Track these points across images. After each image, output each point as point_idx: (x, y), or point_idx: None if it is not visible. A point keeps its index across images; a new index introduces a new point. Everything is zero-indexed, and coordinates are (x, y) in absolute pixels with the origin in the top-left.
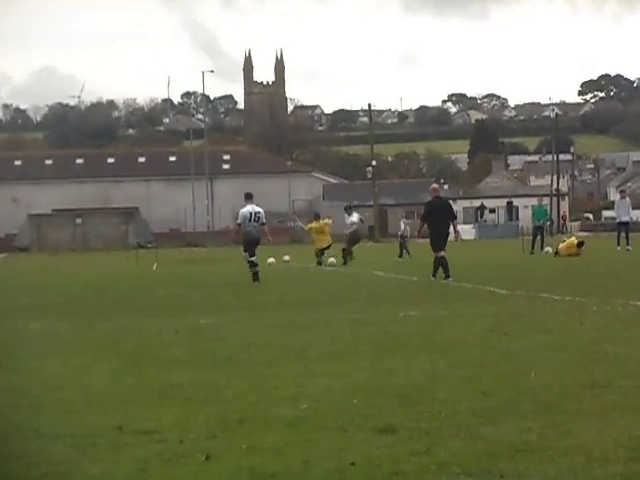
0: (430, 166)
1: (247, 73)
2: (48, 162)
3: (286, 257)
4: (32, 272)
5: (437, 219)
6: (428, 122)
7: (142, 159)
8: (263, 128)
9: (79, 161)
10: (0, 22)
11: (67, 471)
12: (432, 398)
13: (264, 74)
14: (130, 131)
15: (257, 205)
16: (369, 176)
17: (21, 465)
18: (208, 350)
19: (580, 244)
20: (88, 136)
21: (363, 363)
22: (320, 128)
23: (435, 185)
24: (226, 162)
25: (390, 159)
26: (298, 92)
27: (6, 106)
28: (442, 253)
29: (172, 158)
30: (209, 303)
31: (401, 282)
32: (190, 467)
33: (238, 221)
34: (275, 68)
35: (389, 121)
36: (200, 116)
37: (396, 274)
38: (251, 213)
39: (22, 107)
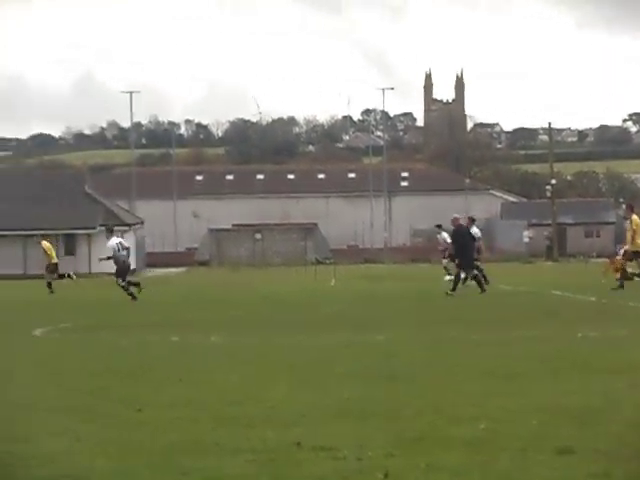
0: (609, 185)
1: (427, 90)
2: (229, 177)
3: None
4: (212, 286)
5: (462, 243)
6: (608, 141)
7: (321, 175)
8: (442, 145)
9: (259, 177)
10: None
11: None
12: (610, 420)
13: (443, 92)
14: (310, 147)
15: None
16: (548, 195)
17: (201, 479)
18: (383, 366)
19: None
20: (269, 152)
21: (540, 383)
22: (499, 146)
23: (456, 215)
24: (404, 179)
25: (569, 178)
26: (477, 110)
27: (188, 121)
28: (473, 272)
29: (351, 175)
30: (386, 319)
31: (579, 302)
32: None
33: (109, 254)
34: (455, 86)
35: (569, 140)
36: (379, 133)
37: (573, 294)
38: (117, 244)
39: (204, 122)
